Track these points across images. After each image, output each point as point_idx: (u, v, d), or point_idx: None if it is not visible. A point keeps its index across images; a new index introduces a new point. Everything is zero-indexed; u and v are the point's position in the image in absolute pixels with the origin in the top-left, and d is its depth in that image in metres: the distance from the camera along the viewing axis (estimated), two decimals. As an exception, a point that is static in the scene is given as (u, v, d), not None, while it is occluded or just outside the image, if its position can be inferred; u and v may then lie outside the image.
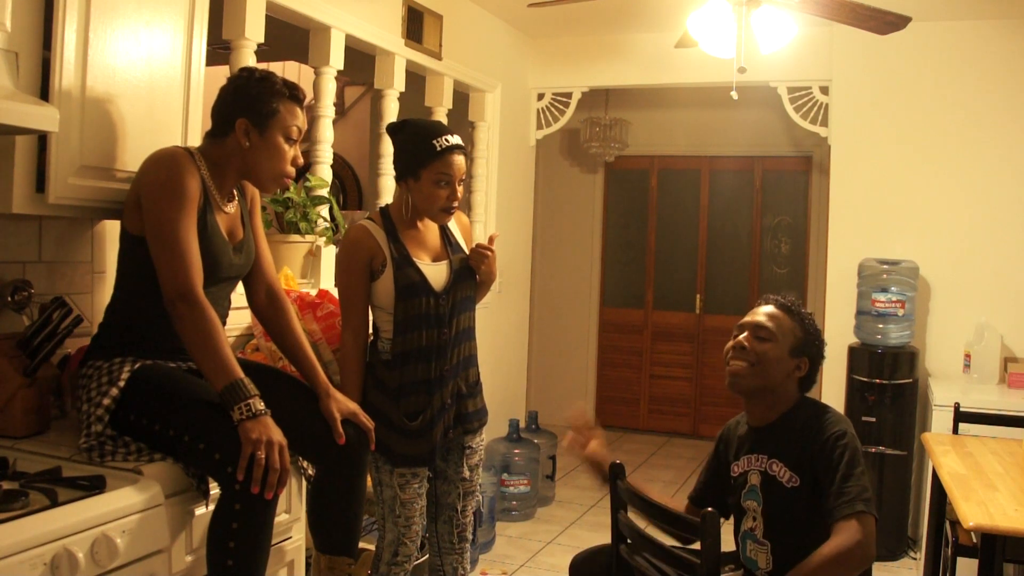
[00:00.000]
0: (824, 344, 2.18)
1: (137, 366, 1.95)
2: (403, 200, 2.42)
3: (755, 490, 2.10)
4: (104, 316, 2.09)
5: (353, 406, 2.21)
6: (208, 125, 2.11)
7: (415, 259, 2.38)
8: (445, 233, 2.50)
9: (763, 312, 2.15)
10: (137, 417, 1.90)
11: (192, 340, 1.88)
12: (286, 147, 2.06)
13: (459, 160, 2.37)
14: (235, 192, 2.15)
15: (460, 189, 2.39)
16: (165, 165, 1.94)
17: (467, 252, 2.50)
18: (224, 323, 2.17)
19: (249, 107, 2.02)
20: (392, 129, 2.48)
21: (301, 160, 2.13)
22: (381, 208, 2.49)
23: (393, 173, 2.52)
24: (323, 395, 2.15)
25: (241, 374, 1.86)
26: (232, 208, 2.12)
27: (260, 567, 1.89)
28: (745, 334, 2.13)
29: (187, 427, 1.87)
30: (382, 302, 2.38)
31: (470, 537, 2.63)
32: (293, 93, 2.08)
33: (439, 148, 2.34)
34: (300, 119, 2.09)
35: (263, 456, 1.78)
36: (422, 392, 2.38)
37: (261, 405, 1.85)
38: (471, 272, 2.48)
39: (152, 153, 1.99)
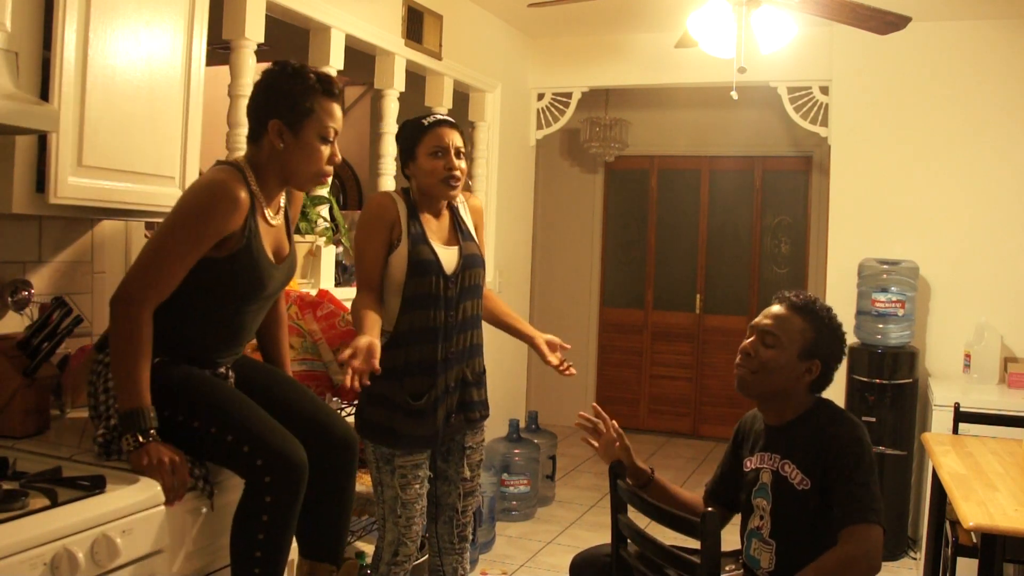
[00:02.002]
0: (842, 343, 2.11)
1: (156, 360, 1.90)
2: (412, 187, 2.43)
3: (765, 488, 2.09)
4: None
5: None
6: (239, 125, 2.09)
7: (430, 240, 2.40)
8: (456, 221, 2.51)
9: (771, 314, 2.11)
10: (158, 410, 1.88)
11: (116, 347, 1.84)
12: (322, 148, 2.00)
13: (450, 132, 2.41)
14: (281, 201, 2.10)
15: (462, 164, 2.40)
16: (211, 195, 1.88)
17: (477, 238, 2.52)
18: (252, 336, 2.17)
19: (282, 106, 1.95)
20: (396, 135, 2.53)
21: (339, 157, 2.07)
22: (403, 188, 2.49)
23: (393, 173, 2.53)
24: None
25: (148, 403, 1.81)
26: (278, 220, 2.08)
27: (286, 558, 1.90)
28: (752, 339, 2.11)
29: (213, 419, 1.86)
30: (392, 279, 2.38)
31: (470, 537, 2.62)
32: (328, 88, 1.99)
33: (427, 124, 2.41)
34: (337, 118, 2.01)
35: (165, 476, 1.78)
36: (427, 373, 2.38)
37: (150, 437, 1.81)
38: (480, 260, 2.50)
39: (206, 175, 1.94)
